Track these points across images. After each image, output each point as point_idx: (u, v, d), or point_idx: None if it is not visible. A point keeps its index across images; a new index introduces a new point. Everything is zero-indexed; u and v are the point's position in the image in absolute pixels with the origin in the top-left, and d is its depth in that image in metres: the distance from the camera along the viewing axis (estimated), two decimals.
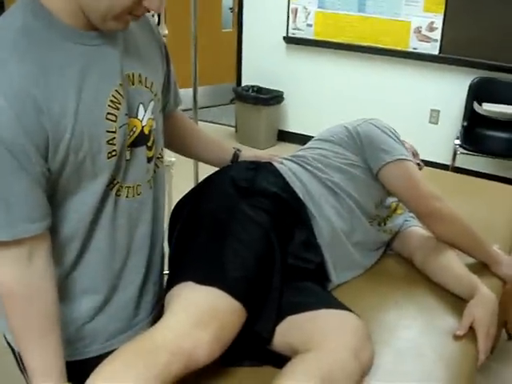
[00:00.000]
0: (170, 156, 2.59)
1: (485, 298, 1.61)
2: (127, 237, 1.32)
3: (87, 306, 1.31)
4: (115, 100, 1.17)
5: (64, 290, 1.27)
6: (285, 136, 5.69)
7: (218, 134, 5.49)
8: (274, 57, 5.55)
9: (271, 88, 5.54)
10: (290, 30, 5.35)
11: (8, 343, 1.36)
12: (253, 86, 5.63)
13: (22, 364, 1.22)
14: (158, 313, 1.46)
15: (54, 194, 1.16)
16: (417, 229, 1.93)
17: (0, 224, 1.07)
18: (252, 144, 5.32)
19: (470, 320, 1.57)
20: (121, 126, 1.19)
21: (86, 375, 1.16)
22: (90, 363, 1.19)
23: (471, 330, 1.56)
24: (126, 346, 1.22)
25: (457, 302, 1.68)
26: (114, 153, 1.19)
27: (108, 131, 1.16)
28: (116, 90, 1.17)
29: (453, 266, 1.75)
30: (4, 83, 1.02)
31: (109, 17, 1.08)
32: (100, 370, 1.16)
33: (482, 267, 1.82)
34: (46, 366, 1.18)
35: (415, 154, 2.03)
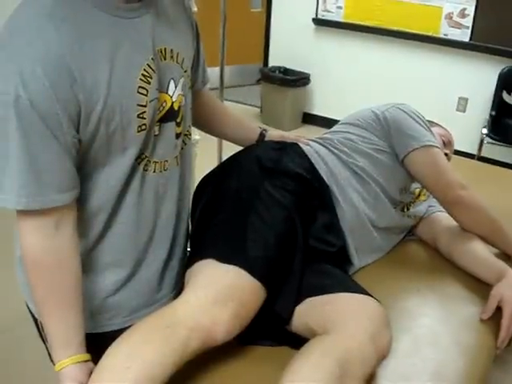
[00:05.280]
0: (194, 134, 2.59)
1: None
2: (153, 212, 1.33)
3: (111, 279, 1.33)
4: (147, 74, 1.17)
5: (89, 263, 1.29)
6: (310, 118, 5.67)
7: (243, 115, 5.44)
8: (303, 38, 5.51)
9: (298, 70, 5.51)
10: (320, 12, 5.30)
11: (31, 312, 1.38)
12: (279, 67, 5.60)
13: (44, 333, 1.24)
14: (180, 289, 1.47)
15: (84, 166, 1.17)
16: (442, 214, 1.91)
17: (30, 193, 1.08)
18: (276, 125, 5.30)
19: (497, 299, 1.55)
20: (151, 101, 1.19)
21: (107, 348, 1.17)
22: (111, 336, 1.20)
23: (492, 320, 1.55)
24: (144, 321, 1.23)
25: (478, 290, 1.67)
26: (143, 127, 1.20)
27: (139, 105, 1.17)
28: (148, 64, 1.17)
29: (479, 249, 1.73)
30: (41, 51, 1.02)
31: None
32: (118, 344, 1.18)
33: (505, 258, 1.80)
34: (66, 336, 1.20)
35: (446, 143, 2.01)
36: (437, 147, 1.73)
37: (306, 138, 1.84)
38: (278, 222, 1.44)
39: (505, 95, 4.38)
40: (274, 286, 1.37)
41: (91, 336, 1.26)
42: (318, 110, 5.66)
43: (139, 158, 1.24)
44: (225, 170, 1.65)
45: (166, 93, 1.26)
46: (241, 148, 1.76)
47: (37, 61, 1.02)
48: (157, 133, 1.26)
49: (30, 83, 1.01)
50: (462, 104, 4.84)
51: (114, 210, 1.26)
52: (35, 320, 1.37)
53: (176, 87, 1.28)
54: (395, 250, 1.88)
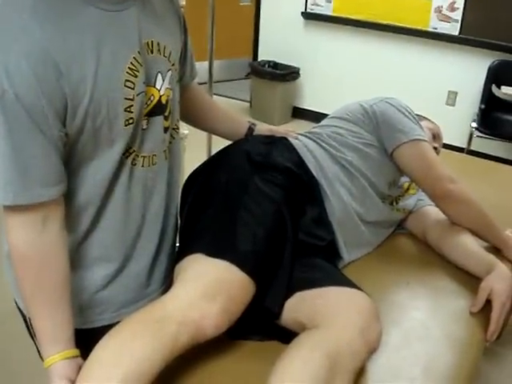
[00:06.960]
0: (183, 128, 2.58)
1: (504, 273, 1.60)
2: (141, 207, 1.32)
3: (100, 274, 1.32)
4: (133, 67, 1.16)
5: (77, 258, 1.28)
6: (299, 113, 5.67)
7: (233, 109, 5.42)
8: (292, 32, 5.50)
9: (287, 64, 5.51)
10: (309, 6, 5.29)
11: (19, 309, 1.37)
12: (269, 62, 5.59)
13: (32, 329, 1.23)
14: (169, 284, 1.46)
15: (71, 160, 1.16)
16: (431, 207, 1.91)
17: (16, 188, 1.07)
18: (266, 120, 5.29)
19: (487, 292, 1.56)
20: (138, 94, 1.18)
21: (96, 343, 1.16)
22: (101, 332, 1.20)
23: (482, 313, 1.55)
24: (133, 316, 1.22)
25: (468, 284, 1.68)
26: (131, 120, 1.19)
27: (126, 98, 1.16)
28: (134, 58, 1.16)
29: (469, 242, 1.74)
30: (26, 46, 1.01)
31: None
32: (107, 340, 1.17)
33: (494, 251, 1.81)
34: (54, 332, 1.19)
35: (435, 137, 2.01)
36: (425, 141, 1.73)
37: (295, 132, 1.84)
38: (268, 216, 1.43)
39: (494, 89, 4.39)
40: (264, 281, 1.37)
41: (81, 332, 1.25)
42: (308, 104, 5.66)
43: (127, 152, 1.23)
44: (214, 164, 1.64)
45: (154, 86, 1.25)
46: (230, 142, 1.75)
47: (21, 55, 1.01)
48: (144, 127, 1.25)
49: (15, 77, 1.00)
50: (452, 98, 4.86)
51: (103, 205, 1.25)
52: (23, 316, 1.36)
53: (163, 81, 1.27)
54: (385, 244, 1.88)
